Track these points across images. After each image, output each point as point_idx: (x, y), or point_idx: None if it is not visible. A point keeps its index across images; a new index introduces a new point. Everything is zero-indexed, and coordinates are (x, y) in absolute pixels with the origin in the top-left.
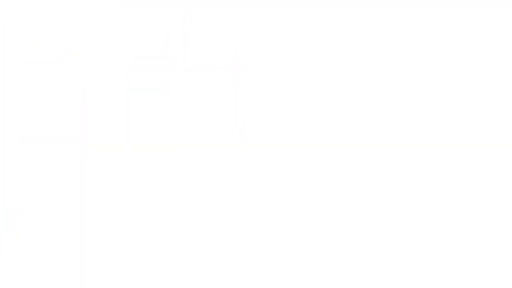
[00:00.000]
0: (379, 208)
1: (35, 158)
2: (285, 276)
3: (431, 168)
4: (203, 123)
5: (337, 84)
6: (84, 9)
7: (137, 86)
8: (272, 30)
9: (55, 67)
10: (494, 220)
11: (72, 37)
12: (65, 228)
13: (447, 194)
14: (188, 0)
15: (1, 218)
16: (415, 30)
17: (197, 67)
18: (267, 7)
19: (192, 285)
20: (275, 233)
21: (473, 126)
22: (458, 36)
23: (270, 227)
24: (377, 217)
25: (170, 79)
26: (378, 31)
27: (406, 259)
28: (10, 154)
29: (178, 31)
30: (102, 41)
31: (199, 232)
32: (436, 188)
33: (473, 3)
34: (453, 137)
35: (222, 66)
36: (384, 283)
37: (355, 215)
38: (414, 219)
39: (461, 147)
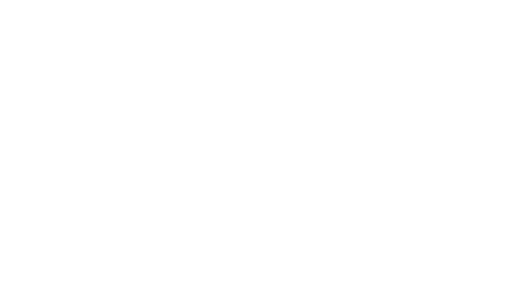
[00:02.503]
0: (379, 208)
1: (34, 158)
2: (284, 276)
3: (431, 168)
4: (203, 121)
5: (337, 84)
6: (84, 9)
7: (137, 86)
8: (272, 30)
9: (55, 67)
10: (494, 220)
11: (72, 37)
12: (65, 228)
13: (447, 193)
14: (188, 0)
15: (1, 218)
16: (415, 30)
17: (196, 67)
18: (267, 7)
19: (192, 285)
20: (275, 233)
21: (473, 126)
22: (458, 36)
23: (270, 227)
24: (377, 217)
25: (170, 79)
26: (378, 31)
27: (405, 259)
28: (10, 154)
29: (178, 31)
30: (102, 41)
31: (199, 232)
32: (436, 188)
33: (473, 3)
34: (453, 137)
35: (222, 66)
36: (383, 282)
37: (355, 214)
38: (413, 218)
39: (461, 147)
